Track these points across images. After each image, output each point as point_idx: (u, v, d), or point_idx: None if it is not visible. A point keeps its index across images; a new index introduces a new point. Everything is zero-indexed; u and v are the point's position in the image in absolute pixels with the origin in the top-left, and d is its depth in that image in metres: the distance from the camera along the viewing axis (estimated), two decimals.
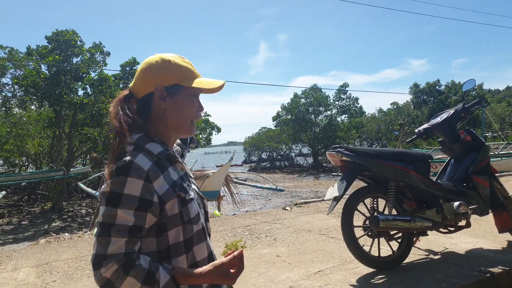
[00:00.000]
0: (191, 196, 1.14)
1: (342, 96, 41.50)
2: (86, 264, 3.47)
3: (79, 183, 14.56)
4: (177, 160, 1.19)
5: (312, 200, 6.89)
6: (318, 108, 39.13)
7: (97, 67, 16.75)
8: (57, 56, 15.13)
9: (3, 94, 15.93)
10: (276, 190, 13.50)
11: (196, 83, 1.17)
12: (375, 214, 2.89)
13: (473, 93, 39.08)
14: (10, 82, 15.66)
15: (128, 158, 1.05)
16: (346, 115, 42.25)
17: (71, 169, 17.47)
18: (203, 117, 24.62)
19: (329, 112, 40.11)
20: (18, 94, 16.06)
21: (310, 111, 38.83)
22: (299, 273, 2.88)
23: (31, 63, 15.24)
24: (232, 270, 1.06)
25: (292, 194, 17.11)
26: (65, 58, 15.66)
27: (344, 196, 2.88)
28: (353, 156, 2.81)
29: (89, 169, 19.25)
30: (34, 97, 15.68)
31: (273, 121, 41.13)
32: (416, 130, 3.54)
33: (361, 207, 2.99)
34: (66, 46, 15.63)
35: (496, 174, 3.33)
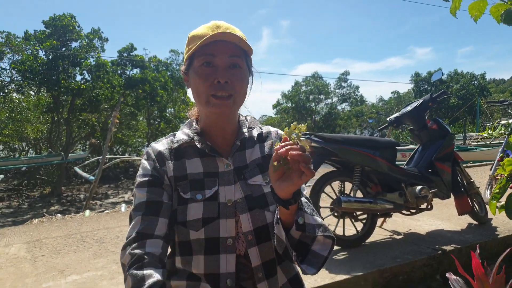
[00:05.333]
0: (191, 197, 0.98)
1: (343, 84, 41.54)
2: (73, 241, 3.70)
3: (75, 167, 14.81)
4: (207, 154, 1.03)
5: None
6: (319, 96, 39.23)
7: (95, 53, 16.87)
8: (54, 41, 15.24)
9: (1, 79, 16.09)
10: None
11: (192, 48, 0.98)
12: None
13: (475, 82, 39.04)
14: (8, 67, 15.79)
15: (153, 143, 1.09)
16: (347, 103, 42.35)
17: (69, 155, 17.71)
18: None
19: (329, 100, 40.23)
20: (16, 79, 16.21)
21: (311, 99, 38.93)
22: None
23: (29, 48, 15.36)
24: None
25: None
26: (63, 43, 15.77)
27: (314, 179, 3.08)
28: (321, 143, 2.99)
29: (88, 155, 19.49)
30: (32, 82, 15.85)
31: (273, 109, 41.26)
32: (387, 119, 3.72)
33: (329, 190, 3.19)
34: (63, 31, 15.74)
35: (459, 161, 3.52)
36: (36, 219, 4.98)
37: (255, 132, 1.13)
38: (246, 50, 1.01)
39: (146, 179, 0.99)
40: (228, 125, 1.07)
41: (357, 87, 41.82)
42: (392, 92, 46.87)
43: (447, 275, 1.81)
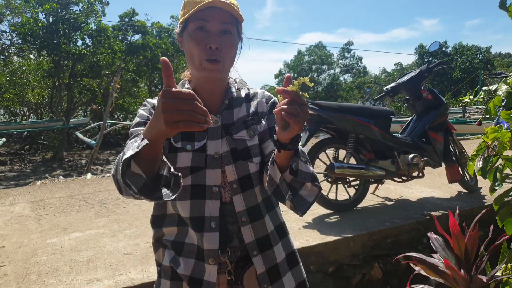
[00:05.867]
0: (182, 146, 1.06)
1: (346, 55, 41.04)
2: (76, 201, 3.83)
3: (76, 132, 14.93)
4: None
5: None
6: (321, 67, 38.85)
7: (96, 17, 16.61)
8: (54, 4, 14.96)
9: (1, 42, 15.92)
10: None
11: (187, 13, 1.03)
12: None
13: (480, 56, 38.38)
14: (8, 30, 15.60)
15: (149, 99, 1.17)
16: (350, 74, 41.92)
17: (71, 120, 17.79)
18: None
19: (332, 71, 39.88)
20: (16, 43, 16.04)
21: (313, 69, 38.58)
22: None
23: (29, 11, 15.11)
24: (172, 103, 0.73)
25: None
26: (63, 6, 15.49)
27: (310, 145, 3.17)
28: (317, 110, 3.05)
29: (89, 121, 19.58)
30: (32, 46, 15.69)
31: (275, 79, 40.94)
32: (384, 88, 3.75)
33: (324, 157, 3.28)
34: None
35: (452, 131, 3.59)
36: (39, 181, 5.12)
37: (243, 93, 1.20)
38: (238, 17, 1.06)
39: (143, 120, 1.07)
40: (217, 87, 1.14)
41: (360, 58, 41.33)
42: (395, 64, 46.20)
43: (428, 234, 1.91)
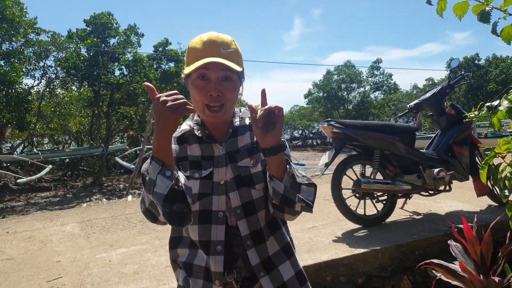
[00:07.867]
0: (190, 175, 1.16)
1: (375, 72, 40.76)
2: (119, 221, 4.13)
3: (115, 157, 15.61)
4: (204, 141, 1.20)
5: (327, 172, 7.27)
6: (351, 85, 38.70)
7: (132, 48, 17.59)
8: (95, 39, 16.03)
9: (47, 75, 17.12)
10: (297, 165, 14.00)
11: (189, 68, 1.11)
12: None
13: None
14: (53, 65, 16.79)
15: None
16: (380, 91, 41.46)
17: (109, 146, 18.63)
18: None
19: (362, 89, 39.62)
20: (60, 76, 17.21)
21: (343, 88, 38.46)
22: (295, 228, 3.36)
23: (72, 46, 16.26)
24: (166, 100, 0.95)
25: (314, 169, 17.46)
26: (102, 40, 16.56)
27: (336, 163, 3.33)
28: (342, 128, 3.22)
29: (126, 147, 20.42)
30: (75, 78, 16.79)
31: (305, 99, 41.09)
32: (407, 106, 3.87)
33: (351, 173, 3.42)
34: (103, 29, 16.52)
35: (479, 145, 3.64)
36: (85, 203, 5.51)
37: (247, 121, 1.28)
38: (236, 68, 1.11)
39: None
40: (221, 121, 1.22)
41: (390, 75, 40.84)
42: (426, 80, 45.23)
43: (449, 242, 2.03)
